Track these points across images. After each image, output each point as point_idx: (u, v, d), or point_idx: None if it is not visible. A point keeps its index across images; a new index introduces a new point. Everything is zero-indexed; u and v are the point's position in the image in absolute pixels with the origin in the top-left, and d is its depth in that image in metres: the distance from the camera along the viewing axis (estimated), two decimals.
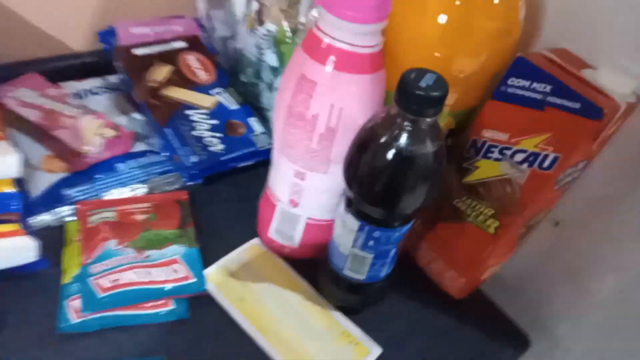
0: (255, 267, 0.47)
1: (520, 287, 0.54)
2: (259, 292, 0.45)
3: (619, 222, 0.44)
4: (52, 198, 0.46)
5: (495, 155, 0.42)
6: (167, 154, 0.54)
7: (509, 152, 0.41)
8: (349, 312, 0.46)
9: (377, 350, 0.43)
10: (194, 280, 0.44)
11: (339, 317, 0.45)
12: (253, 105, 0.60)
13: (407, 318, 0.48)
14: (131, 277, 0.42)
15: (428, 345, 0.46)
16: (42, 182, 0.47)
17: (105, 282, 0.41)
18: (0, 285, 0.41)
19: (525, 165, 0.40)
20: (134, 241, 0.44)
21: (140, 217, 0.47)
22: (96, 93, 0.59)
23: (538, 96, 0.39)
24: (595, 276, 0.47)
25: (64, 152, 0.49)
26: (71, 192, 0.47)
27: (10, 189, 0.39)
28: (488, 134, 0.42)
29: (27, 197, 0.45)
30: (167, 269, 0.43)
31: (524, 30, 0.43)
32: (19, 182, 0.42)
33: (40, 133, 0.50)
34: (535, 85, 0.39)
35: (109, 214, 0.46)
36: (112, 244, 0.44)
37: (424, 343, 0.46)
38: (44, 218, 0.46)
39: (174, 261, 0.44)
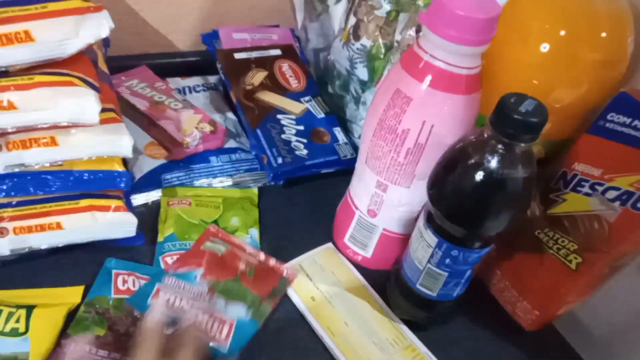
0: (328, 270, 0.49)
1: (595, 328, 0.52)
2: (330, 294, 0.47)
3: None
4: (152, 181, 0.51)
5: (586, 189, 0.41)
6: (255, 153, 0.57)
7: (600, 188, 0.40)
8: (416, 327, 0.46)
9: None
10: (226, 346, 0.41)
11: (405, 330, 0.45)
12: (338, 116, 0.63)
13: (473, 342, 0.47)
14: (184, 305, 0.42)
15: None
16: (144, 166, 0.51)
17: (163, 294, 0.42)
18: (100, 255, 0.45)
19: (617, 204, 0.39)
20: (218, 282, 0.44)
21: (241, 265, 0.47)
22: (197, 90, 0.64)
23: (638, 134, 0.37)
24: None
25: (166, 140, 0.53)
26: (169, 176, 0.52)
27: (121, 168, 0.44)
28: (580, 168, 0.41)
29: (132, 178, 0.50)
30: (217, 323, 0.42)
31: (632, 65, 0.42)
32: (125, 163, 0.46)
33: (147, 121, 0.54)
34: (636, 122, 0.37)
35: (222, 248, 0.47)
36: (197, 272, 0.44)
37: None
38: (142, 198, 0.50)
39: (229, 322, 0.42)
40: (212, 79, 0.66)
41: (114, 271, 0.44)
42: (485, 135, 0.34)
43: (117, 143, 0.42)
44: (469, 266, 0.41)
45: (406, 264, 0.44)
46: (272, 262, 0.48)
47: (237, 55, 0.64)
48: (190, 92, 0.63)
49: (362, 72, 0.57)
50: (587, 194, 0.41)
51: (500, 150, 0.34)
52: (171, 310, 0.41)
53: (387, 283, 0.48)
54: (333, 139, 0.59)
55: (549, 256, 0.44)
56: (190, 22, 0.71)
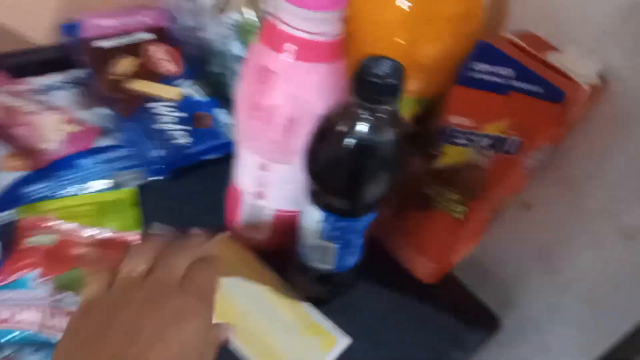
0: (224, 260, 0.46)
1: (492, 270, 0.54)
2: (228, 285, 0.45)
3: (587, 202, 0.44)
4: (13, 197, 0.45)
5: (462, 140, 0.42)
6: (132, 147, 0.53)
7: (474, 137, 0.41)
8: (319, 302, 0.46)
9: (344, 341, 0.43)
10: None
11: (307, 308, 0.45)
12: (223, 97, 0.59)
13: (379, 306, 0.48)
14: (31, 316, 0.37)
15: (399, 333, 0.46)
16: (3, 181, 0.46)
17: (4, 313, 0.37)
18: None
19: (490, 150, 0.40)
20: (59, 277, 0.40)
21: (78, 251, 0.43)
22: (60, 88, 0.57)
23: (502, 81, 0.38)
24: (566, 256, 0.48)
25: (23, 149, 0.48)
26: (31, 189, 0.46)
27: None
28: (454, 120, 0.42)
29: None
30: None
31: (490, 15, 0.43)
32: None
33: (1, 131, 0.48)
34: (499, 69, 0.38)
35: (49, 238, 0.43)
36: (33, 274, 0.40)
37: (396, 330, 0.46)
38: (4, 217, 0.45)
39: None
40: (77, 72, 0.60)
41: None
42: (349, 102, 0.33)
43: None
44: (359, 234, 0.41)
45: (299, 242, 0.43)
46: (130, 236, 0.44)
47: (103, 44, 0.59)
48: (52, 90, 0.57)
49: (237, 48, 0.54)
50: (463, 145, 0.42)
51: (365, 115, 0.33)
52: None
53: (286, 264, 0.47)
54: (216, 122, 0.56)
55: (437, 210, 0.45)
56: (47, 13, 0.63)
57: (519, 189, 0.46)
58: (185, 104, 0.56)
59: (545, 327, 0.51)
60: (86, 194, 0.48)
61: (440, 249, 0.46)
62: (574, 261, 0.47)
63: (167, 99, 0.55)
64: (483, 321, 0.50)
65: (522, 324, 0.53)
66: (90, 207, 0.46)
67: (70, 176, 0.48)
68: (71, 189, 0.48)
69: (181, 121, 0.54)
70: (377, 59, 0.32)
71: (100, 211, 0.46)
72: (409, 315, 0.48)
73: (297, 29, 0.35)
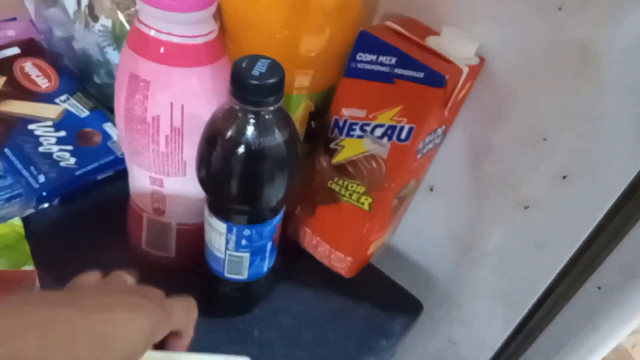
0: None
1: (408, 255, 0.55)
2: None
3: (487, 178, 0.46)
4: None
5: (357, 132, 0.42)
6: (12, 176, 0.47)
7: (368, 128, 0.41)
8: (239, 312, 0.44)
9: None
10: None
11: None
12: (112, 109, 0.55)
13: (299, 306, 0.47)
14: None
15: (322, 331, 0.46)
16: None
17: None
18: None
19: (385, 139, 0.40)
20: None
21: None
22: None
23: (386, 69, 0.38)
24: (475, 233, 0.49)
25: None
26: None
27: None
28: (347, 112, 0.42)
29: None
30: None
31: (368, 3, 0.42)
32: None
33: None
34: (381, 58, 0.38)
35: None
36: None
37: (318, 329, 0.46)
38: None
39: None
40: None
41: None
42: (232, 107, 0.32)
43: None
44: (267, 239, 0.40)
45: (208, 257, 0.41)
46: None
47: None
48: None
49: (115, 56, 0.50)
50: (359, 137, 0.42)
51: (250, 119, 0.31)
52: None
53: (199, 280, 0.44)
54: (105, 137, 0.52)
55: (345, 203, 0.45)
56: None
57: (419, 174, 0.47)
58: (66, 122, 0.51)
59: (463, 302, 0.53)
60: None
61: (353, 242, 0.46)
62: (482, 236, 0.49)
63: (45, 118, 0.50)
64: (405, 306, 0.51)
65: (442, 302, 0.54)
66: None
67: None
68: None
69: (63, 141, 0.50)
70: (253, 58, 0.31)
71: None
72: (332, 311, 0.47)
73: (163, 32, 0.33)
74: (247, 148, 0.32)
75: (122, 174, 0.50)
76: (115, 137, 0.52)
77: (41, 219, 0.47)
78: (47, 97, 0.52)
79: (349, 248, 0.47)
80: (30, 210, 0.47)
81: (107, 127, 0.53)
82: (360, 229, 0.45)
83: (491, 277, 0.50)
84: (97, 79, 0.56)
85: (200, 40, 0.34)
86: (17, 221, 0.46)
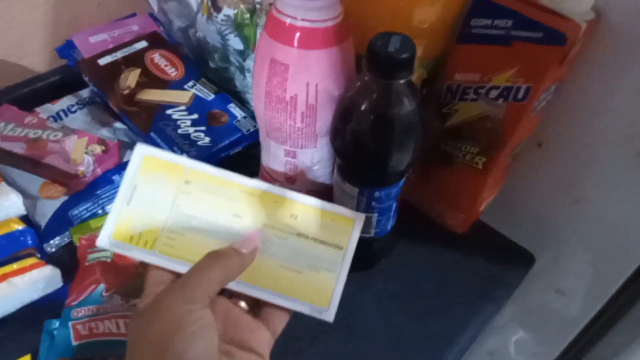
0: (166, 191, 0.35)
1: (517, 210, 0.57)
2: (185, 221, 0.35)
3: (595, 132, 0.46)
4: (61, 222, 0.48)
5: (471, 95, 0.44)
6: None
7: (483, 91, 0.43)
8: (365, 267, 0.49)
9: (360, 217, 0.37)
10: None
11: (298, 198, 0.37)
12: (228, 91, 0.61)
13: (418, 261, 0.51)
14: (110, 327, 0.40)
15: (442, 282, 0.49)
16: (47, 209, 0.48)
17: (83, 329, 0.40)
18: (37, 317, 0.43)
19: (501, 100, 0.42)
20: (123, 287, 0.43)
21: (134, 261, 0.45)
22: (73, 111, 0.59)
23: (502, 32, 0.40)
24: (583, 184, 0.50)
25: (59, 176, 0.50)
26: (77, 211, 0.49)
27: (21, 226, 0.41)
28: (460, 77, 0.44)
29: (38, 227, 0.47)
30: None
31: None
32: (25, 217, 0.43)
33: (31, 163, 0.50)
34: (497, 22, 0.40)
35: (108, 253, 0.45)
36: (101, 289, 0.43)
37: (438, 280, 0.50)
38: (58, 242, 0.47)
39: None
40: (85, 93, 0.61)
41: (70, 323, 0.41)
42: (367, 81, 0.35)
43: (4, 205, 0.39)
44: (394, 200, 0.43)
45: None
46: None
47: (102, 61, 0.60)
48: (66, 115, 0.59)
49: (235, 42, 0.55)
50: (473, 100, 0.44)
51: (383, 91, 0.35)
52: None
53: None
54: (231, 117, 0.58)
55: (459, 164, 0.47)
56: (40, 40, 0.64)
57: (532, 131, 0.48)
58: (197, 105, 0.57)
59: (574, 253, 0.54)
60: None
61: (467, 200, 0.49)
62: (595, 189, 0.49)
63: (179, 103, 0.57)
64: (518, 259, 0.53)
65: (553, 255, 0.56)
66: None
67: (108, 193, 0.50)
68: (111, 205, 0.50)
69: (197, 123, 0.56)
70: (386, 35, 0.34)
71: None
72: (448, 264, 0.51)
73: (301, 19, 0.36)
74: (383, 118, 0.35)
75: (251, 147, 0.56)
76: (239, 117, 0.58)
77: None
78: (178, 84, 0.59)
79: (462, 206, 0.50)
80: None
81: (232, 107, 0.58)
82: (474, 187, 0.48)
83: (602, 229, 0.51)
84: (212, 64, 0.62)
85: (330, 24, 0.37)
86: None
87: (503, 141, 0.44)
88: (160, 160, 0.36)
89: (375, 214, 0.43)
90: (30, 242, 0.41)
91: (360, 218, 0.36)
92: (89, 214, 0.49)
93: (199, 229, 0.35)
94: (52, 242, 0.47)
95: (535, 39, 0.38)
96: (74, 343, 0.40)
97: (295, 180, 0.47)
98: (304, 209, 0.36)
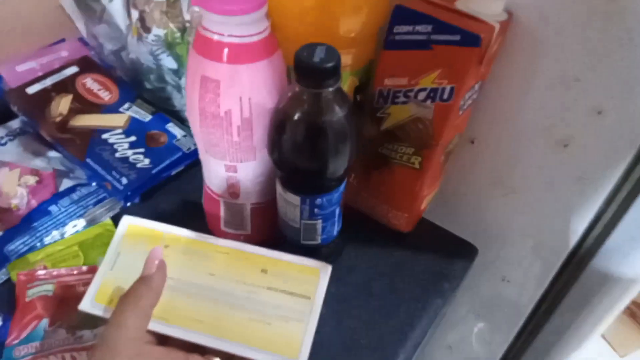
0: (146, 256, 0.38)
1: (458, 205, 0.59)
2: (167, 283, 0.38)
3: (523, 122, 0.49)
4: None
5: (402, 99, 0.46)
6: (96, 183, 0.53)
7: (412, 94, 0.45)
8: None
9: (326, 267, 0.40)
10: None
11: (267, 253, 0.40)
12: (167, 111, 0.60)
13: (367, 263, 0.52)
14: None
15: (391, 281, 0.51)
16: None
17: None
18: None
19: (429, 102, 0.44)
20: (67, 320, 0.42)
21: (81, 289, 0.44)
22: (3, 143, 0.57)
23: (423, 37, 0.42)
24: (513, 175, 0.53)
25: None
26: (14, 247, 0.47)
27: None
28: (390, 82, 0.45)
29: None
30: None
31: None
32: None
33: None
34: (418, 27, 0.42)
35: (48, 287, 0.44)
36: (43, 324, 0.42)
37: (387, 280, 0.51)
38: None
39: None
40: (15, 123, 0.59)
41: None
42: (297, 91, 0.36)
43: None
44: (336, 205, 0.44)
45: (284, 228, 0.47)
46: None
47: (30, 89, 0.58)
48: None
49: (169, 62, 0.55)
50: (404, 102, 0.46)
51: (314, 100, 0.36)
52: None
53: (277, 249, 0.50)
54: (170, 136, 0.57)
55: (396, 165, 0.49)
56: None
57: (462, 129, 0.50)
58: (134, 128, 0.57)
59: (513, 242, 0.57)
60: (66, 237, 0.49)
61: (407, 199, 0.51)
62: (525, 178, 0.52)
63: (114, 127, 0.56)
64: (462, 251, 0.55)
65: (493, 245, 0.59)
66: (75, 249, 0.48)
67: (45, 224, 0.49)
68: (50, 237, 0.48)
69: (135, 145, 0.55)
70: (311, 46, 0.35)
71: (85, 250, 0.48)
72: (396, 263, 0.52)
73: (228, 35, 0.37)
74: (315, 126, 0.36)
75: (190, 168, 0.56)
76: (178, 136, 0.57)
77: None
78: (112, 108, 0.58)
79: (404, 205, 0.52)
80: (117, 210, 0.53)
81: (170, 127, 0.58)
82: (413, 187, 0.50)
83: (536, 216, 0.54)
84: (147, 85, 0.61)
85: (257, 38, 0.38)
86: (108, 221, 0.52)
87: (435, 140, 0.46)
88: (143, 228, 0.41)
89: (320, 221, 0.44)
90: None
91: (325, 268, 0.40)
92: (26, 248, 0.47)
93: (175, 288, 0.38)
94: None
95: (454, 42, 0.40)
96: None
97: (238, 195, 0.47)
98: (273, 263, 0.40)
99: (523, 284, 0.61)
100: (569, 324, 0.60)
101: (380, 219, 0.55)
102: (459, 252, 0.55)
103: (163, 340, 0.36)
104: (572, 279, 0.56)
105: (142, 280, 0.36)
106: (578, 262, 0.54)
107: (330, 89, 0.35)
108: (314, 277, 0.39)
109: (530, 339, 0.67)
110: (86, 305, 0.37)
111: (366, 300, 0.49)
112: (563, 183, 0.50)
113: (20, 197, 0.49)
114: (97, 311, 0.36)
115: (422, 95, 0.44)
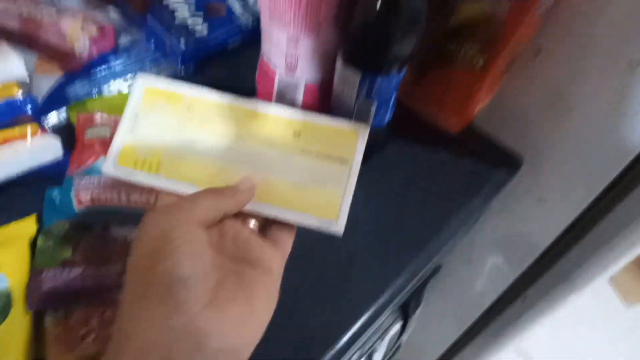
0: (168, 117, 0.37)
1: (509, 117, 0.58)
2: (189, 144, 0.36)
3: (594, 40, 0.47)
4: (58, 98, 0.48)
5: None
6: (154, 41, 0.54)
7: None
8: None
9: (364, 128, 0.38)
10: None
11: (299, 116, 0.37)
12: None
13: (409, 160, 0.53)
14: (112, 196, 0.41)
15: (433, 177, 0.52)
16: (43, 85, 0.48)
17: (85, 196, 0.41)
18: (38, 183, 0.44)
19: None
20: None
21: None
22: None
23: None
24: (575, 93, 0.51)
25: (54, 54, 0.49)
26: (74, 90, 0.49)
27: (18, 92, 0.40)
28: None
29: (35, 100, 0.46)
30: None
31: None
32: (23, 86, 0.42)
33: (27, 39, 0.49)
34: None
35: (105, 131, 0.45)
36: (102, 160, 0.43)
37: (427, 174, 0.52)
38: (53, 119, 0.47)
39: None
40: None
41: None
42: None
43: (7, 67, 0.38)
44: (393, 91, 0.44)
45: (336, 109, 0.47)
46: None
47: None
48: None
49: None
50: None
51: None
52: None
53: None
54: (229, 10, 0.56)
55: (457, 64, 0.48)
56: None
57: (531, 36, 0.49)
58: None
59: (561, 161, 0.57)
60: (121, 92, 0.51)
61: (462, 100, 0.50)
62: (587, 97, 0.51)
63: None
64: (506, 161, 0.56)
65: (539, 161, 0.58)
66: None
67: (104, 74, 0.50)
68: (107, 88, 0.50)
69: (195, 12, 0.55)
70: None
71: None
72: (437, 165, 0.53)
73: None
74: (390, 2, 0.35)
75: (246, 44, 0.55)
76: (238, 10, 0.56)
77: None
78: None
79: (457, 106, 0.51)
80: (173, 73, 0.54)
81: (230, 1, 0.57)
82: (471, 88, 0.49)
83: (591, 137, 0.53)
84: None
85: None
86: None
87: (504, 41, 0.44)
88: (161, 90, 0.37)
89: (375, 103, 0.44)
90: (30, 110, 0.41)
91: (364, 130, 0.37)
92: (84, 93, 0.49)
93: (203, 151, 0.35)
94: (49, 116, 0.47)
95: None
96: (77, 209, 0.41)
97: (295, 70, 0.47)
98: (306, 125, 0.37)
99: (557, 207, 0.61)
100: (581, 263, 0.60)
101: (430, 118, 0.54)
102: (503, 161, 0.55)
103: None
104: (608, 208, 0.56)
105: (230, 188, 0.33)
106: (619, 191, 0.53)
107: None
108: (351, 139, 0.37)
109: (541, 272, 0.68)
110: (109, 168, 0.35)
111: (405, 190, 0.50)
112: (629, 106, 0.48)
113: (82, 45, 0.50)
114: (121, 174, 0.35)
115: None
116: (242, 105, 0.37)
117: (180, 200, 0.30)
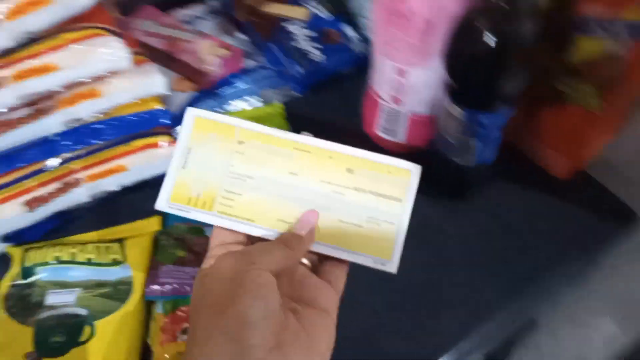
0: (220, 152, 0.36)
1: (626, 168, 0.54)
2: (242, 180, 0.35)
3: None
4: None
5: (597, 31, 0.42)
6: (275, 67, 0.59)
7: (610, 27, 0.41)
8: (456, 195, 0.50)
9: (417, 168, 0.36)
10: None
11: (353, 152, 0.36)
12: (346, 13, 0.63)
13: (512, 202, 0.51)
14: None
15: (531, 225, 0.50)
16: (177, 100, 0.55)
17: None
18: None
19: (626, 37, 0.40)
20: None
21: None
22: (202, 18, 0.65)
23: None
24: None
25: (190, 73, 0.56)
26: (203, 105, 0.55)
27: (160, 106, 0.47)
28: (588, 9, 0.42)
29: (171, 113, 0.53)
30: None
31: None
32: (163, 100, 0.49)
33: (167, 58, 0.57)
34: None
35: None
36: None
37: (528, 223, 0.50)
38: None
39: None
40: (213, 3, 0.67)
41: None
42: (487, 1, 0.36)
43: (151, 83, 0.45)
44: (497, 129, 0.44)
45: (439, 144, 0.48)
46: None
47: None
48: (196, 20, 0.64)
49: None
50: (598, 35, 0.42)
51: (505, 10, 0.35)
52: None
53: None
54: (344, 37, 0.60)
55: (570, 104, 0.46)
56: None
57: None
58: (314, 23, 0.61)
59: None
60: (244, 109, 0.56)
61: (574, 143, 0.48)
62: None
63: (297, 18, 0.60)
64: (620, 218, 0.51)
65: None
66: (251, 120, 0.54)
67: (231, 94, 0.56)
68: (231, 105, 0.56)
69: (313, 39, 0.59)
70: None
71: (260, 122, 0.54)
72: (544, 206, 0.51)
73: None
74: (499, 36, 0.36)
75: (359, 71, 0.58)
76: (352, 38, 0.60)
77: (294, 104, 0.58)
78: (296, 1, 0.62)
79: (567, 149, 0.49)
80: (287, 96, 0.58)
81: (346, 28, 0.61)
82: (583, 130, 0.47)
83: None
84: None
85: None
86: (279, 104, 0.58)
87: (625, 82, 0.42)
88: (211, 121, 0.36)
89: (476, 140, 0.44)
90: (166, 121, 0.47)
91: (416, 169, 0.36)
92: (210, 108, 0.55)
93: (257, 187, 0.35)
94: (177, 128, 0.54)
95: None
96: None
97: (400, 101, 0.49)
98: (360, 162, 0.36)
99: None
100: None
101: (538, 160, 0.53)
102: (616, 214, 0.51)
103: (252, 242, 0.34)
104: None
105: (296, 237, 0.33)
106: None
107: (526, 5, 0.35)
108: (405, 178, 0.36)
109: None
110: (162, 205, 0.34)
111: (504, 233, 0.49)
112: None
113: (215, 65, 0.56)
114: (176, 211, 0.34)
115: (622, 30, 0.40)
116: (295, 139, 0.36)
117: (253, 249, 0.31)
